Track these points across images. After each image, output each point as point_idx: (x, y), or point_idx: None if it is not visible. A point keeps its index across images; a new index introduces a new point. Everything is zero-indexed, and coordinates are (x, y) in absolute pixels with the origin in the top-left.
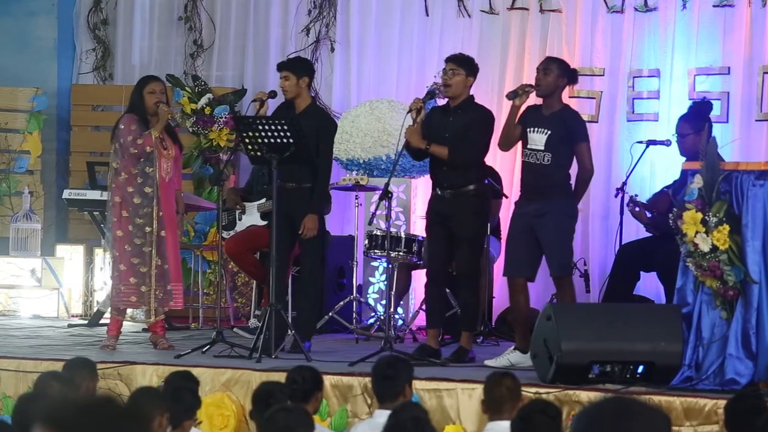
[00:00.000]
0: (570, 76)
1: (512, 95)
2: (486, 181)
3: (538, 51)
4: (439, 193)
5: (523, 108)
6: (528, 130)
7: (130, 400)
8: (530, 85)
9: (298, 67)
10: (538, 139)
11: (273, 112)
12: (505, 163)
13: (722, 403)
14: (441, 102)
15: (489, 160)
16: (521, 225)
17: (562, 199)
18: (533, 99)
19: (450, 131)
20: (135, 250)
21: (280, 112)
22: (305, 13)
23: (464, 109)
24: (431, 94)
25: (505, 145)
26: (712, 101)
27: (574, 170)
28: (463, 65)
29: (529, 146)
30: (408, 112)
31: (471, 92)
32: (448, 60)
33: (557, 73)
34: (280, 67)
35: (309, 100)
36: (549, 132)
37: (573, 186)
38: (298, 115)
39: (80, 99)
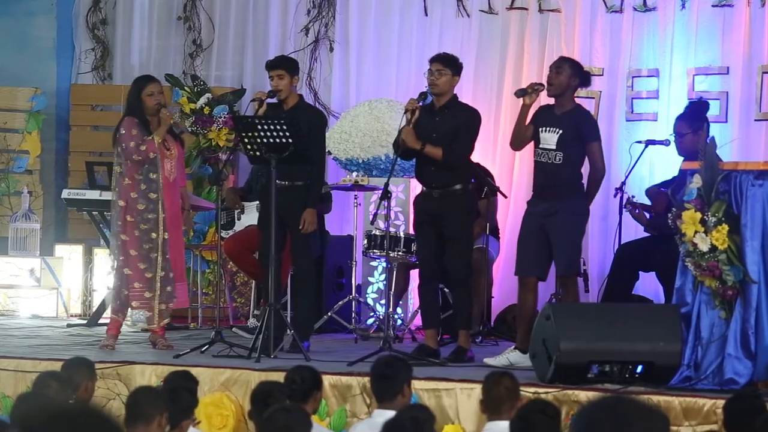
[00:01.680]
0: (582, 77)
1: (520, 93)
2: (472, 180)
3: (537, 51)
4: (427, 192)
5: (534, 108)
6: (540, 129)
7: (129, 399)
8: (540, 84)
9: (291, 67)
10: (549, 138)
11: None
12: (505, 163)
13: (721, 402)
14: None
15: (488, 159)
16: (532, 224)
17: (574, 199)
18: (545, 99)
19: (438, 132)
20: (141, 255)
21: (270, 111)
22: (304, 12)
23: (450, 109)
24: (424, 95)
25: (517, 145)
26: (711, 101)
27: (585, 170)
28: (449, 65)
29: (541, 146)
30: (404, 113)
31: (469, 90)
32: (433, 60)
33: (569, 72)
34: (274, 65)
35: (297, 98)
36: (561, 131)
37: (585, 185)
38: (289, 113)
39: (79, 99)
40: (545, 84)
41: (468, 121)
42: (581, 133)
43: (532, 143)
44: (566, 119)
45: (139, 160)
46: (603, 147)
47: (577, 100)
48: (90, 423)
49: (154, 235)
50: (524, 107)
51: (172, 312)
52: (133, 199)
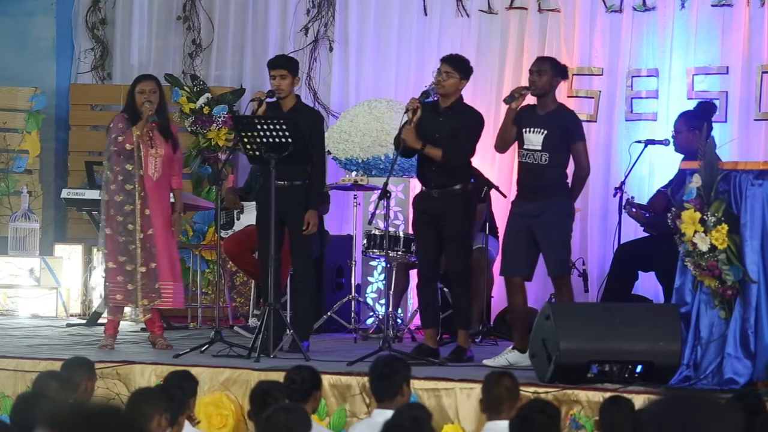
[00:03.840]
0: (562, 73)
1: (510, 99)
2: (472, 180)
3: (536, 50)
4: (427, 191)
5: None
6: (524, 130)
7: (129, 401)
8: (525, 88)
9: (293, 67)
10: (534, 139)
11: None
12: (505, 163)
13: None
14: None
15: (488, 159)
16: (518, 225)
17: (560, 199)
18: (528, 99)
19: (440, 132)
20: (120, 248)
21: (268, 112)
22: (304, 12)
23: (455, 111)
24: (426, 94)
25: (502, 147)
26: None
27: (570, 169)
28: (459, 68)
29: (525, 146)
30: (405, 112)
31: (469, 90)
32: (444, 61)
33: (552, 73)
34: (277, 65)
35: (295, 98)
36: (546, 132)
37: (570, 185)
38: (288, 113)
39: (79, 98)
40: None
41: (470, 123)
42: (566, 133)
43: (515, 143)
44: (551, 119)
45: (116, 150)
46: (602, 147)
47: (577, 100)
48: (120, 424)
49: (131, 227)
50: (510, 111)
51: (171, 312)
52: (113, 191)
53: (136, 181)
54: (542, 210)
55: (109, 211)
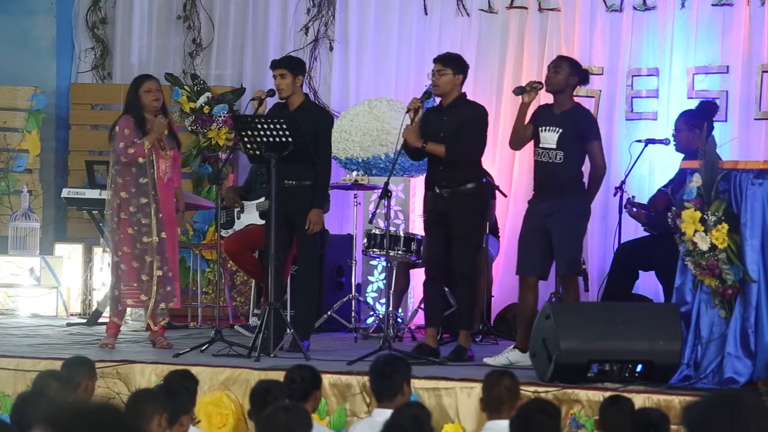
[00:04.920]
0: (581, 75)
1: (519, 91)
2: (483, 180)
3: (536, 50)
4: (437, 191)
5: (533, 107)
6: (540, 129)
7: (129, 401)
8: (539, 82)
9: (294, 66)
10: (549, 137)
11: (267, 111)
12: (505, 162)
13: None
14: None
15: (488, 158)
16: (534, 224)
17: (575, 198)
18: (545, 98)
19: (445, 131)
20: (135, 255)
21: (275, 111)
22: (304, 11)
23: (457, 108)
24: (428, 94)
25: (516, 144)
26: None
27: (585, 169)
28: (450, 64)
29: (541, 145)
30: (407, 112)
31: (469, 90)
32: (435, 60)
33: (568, 71)
34: (276, 65)
35: (303, 97)
36: (561, 130)
37: (586, 184)
38: (294, 113)
39: (79, 98)
40: (543, 83)
41: (473, 118)
42: (581, 132)
43: (531, 142)
44: (566, 118)
45: (126, 162)
46: (603, 146)
47: (577, 99)
48: (119, 424)
49: (146, 239)
50: (523, 106)
51: (171, 311)
52: (126, 199)
53: (150, 188)
54: (557, 209)
55: (120, 214)
